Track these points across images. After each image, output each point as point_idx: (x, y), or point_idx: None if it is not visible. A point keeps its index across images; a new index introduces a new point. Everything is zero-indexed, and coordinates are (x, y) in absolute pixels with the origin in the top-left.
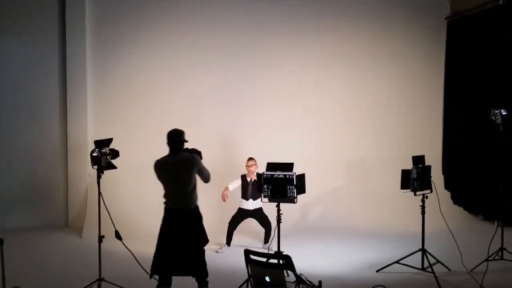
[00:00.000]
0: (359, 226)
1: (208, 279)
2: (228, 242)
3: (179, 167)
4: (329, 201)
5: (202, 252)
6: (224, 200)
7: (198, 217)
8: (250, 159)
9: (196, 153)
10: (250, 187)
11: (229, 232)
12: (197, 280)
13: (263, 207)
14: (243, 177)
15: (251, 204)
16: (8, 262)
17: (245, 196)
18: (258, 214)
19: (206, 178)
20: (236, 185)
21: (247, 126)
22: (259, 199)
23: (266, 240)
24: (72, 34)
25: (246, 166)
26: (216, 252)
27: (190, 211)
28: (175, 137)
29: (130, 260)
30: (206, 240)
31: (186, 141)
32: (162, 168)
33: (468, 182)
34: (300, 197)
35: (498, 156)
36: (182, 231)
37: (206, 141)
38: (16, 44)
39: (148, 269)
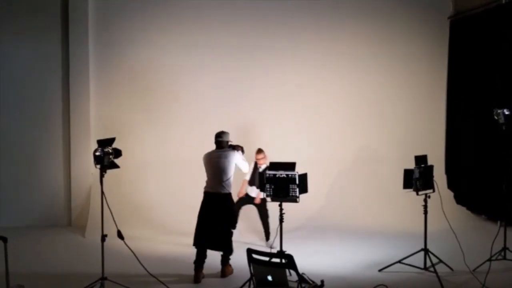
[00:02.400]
0: (361, 226)
1: (213, 277)
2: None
3: (220, 159)
4: (332, 200)
5: (229, 232)
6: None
7: (230, 202)
8: (259, 151)
9: (239, 148)
10: (257, 177)
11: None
12: (222, 256)
13: (267, 200)
14: (255, 164)
15: (254, 192)
16: (12, 260)
17: (252, 182)
18: (261, 206)
19: (243, 169)
20: (250, 168)
21: (248, 126)
22: None
23: (267, 237)
24: (75, 34)
25: (256, 159)
26: None
27: (223, 196)
28: (221, 138)
29: (132, 259)
30: (234, 222)
31: (231, 141)
32: (207, 158)
33: (471, 182)
34: (302, 197)
35: (500, 156)
36: (215, 212)
37: (208, 140)
38: (19, 44)
39: (150, 268)
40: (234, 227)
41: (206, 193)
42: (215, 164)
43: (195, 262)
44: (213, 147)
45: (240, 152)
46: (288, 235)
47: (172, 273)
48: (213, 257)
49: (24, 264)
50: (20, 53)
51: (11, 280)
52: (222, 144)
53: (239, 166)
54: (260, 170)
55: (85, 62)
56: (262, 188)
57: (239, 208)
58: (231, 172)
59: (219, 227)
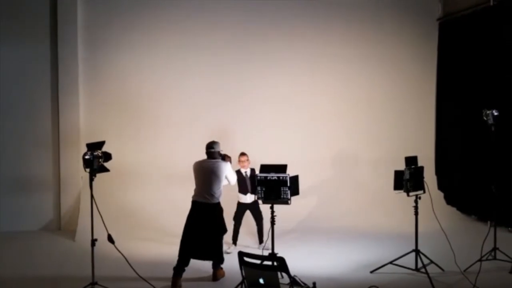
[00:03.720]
0: (353, 227)
1: (205, 280)
2: (235, 241)
3: (213, 170)
4: (323, 202)
5: (220, 241)
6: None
7: (219, 211)
8: (243, 154)
9: (227, 157)
10: (248, 181)
11: (235, 230)
12: (213, 263)
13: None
14: (238, 172)
15: (249, 198)
16: (1, 266)
17: (243, 190)
18: (254, 207)
19: (231, 182)
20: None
21: (241, 127)
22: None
23: (260, 238)
24: (64, 36)
25: (239, 161)
26: (226, 252)
27: (211, 206)
28: (212, 148)
29: (123, 263)
30: (224, 230)
31: (221, 150)
32: (198, 167)
33: (461, 183)
34: (293, 199)
35: (490, 157)
36: (203, 222)
37: (200, 142)
38: (7, 47)
39: (141, 272)
40: (225, 231)
41: (195, 202)
42: (207, 175)
43: (175, 268)
44: (203, 151)
45: (229, 163)
46: (280, 237)
47: (163, 277)
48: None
49: (13, 269)
50: (8, 56)
51: (0, 285)
52: (214, 155)
53: (228, 178)
54: (247, 174)
55: (74, 64)
56: (253, 190)
57: (241, 220)
58: (222, 183)
59: (208, 236)
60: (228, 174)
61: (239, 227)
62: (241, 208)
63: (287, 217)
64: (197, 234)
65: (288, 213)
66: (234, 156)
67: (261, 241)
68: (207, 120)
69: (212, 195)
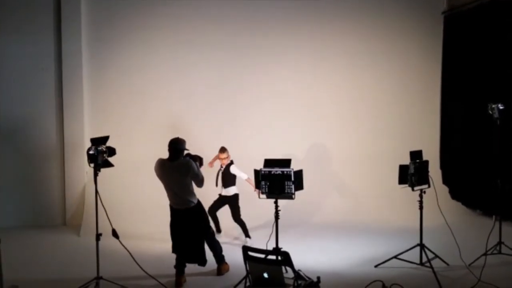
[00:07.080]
0: (357, 222)
1: (209, 275)
2: (218, 229)
3: (175, 172)
4: (327, 196)
5: (202, 243)
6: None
7: (200, 212)
8: (223, 151)
9: (197, 159)
10: (220, 175)
11: (212, 219)
12: (214, 255)
13: (238, 198)
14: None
15: (224, 191)
16: (6, 261)
17: (216, 182)
18: (229, 203)
19: (199, 183)
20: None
21: (244, 123)
22: (231, 188)
23: (246, 233)
24: (68, 31)
25: (219, 159)
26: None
27: (191, 210)
28: (175, 145)
29: (127, 258)
30: (210, 231)
31: (187, 150)
32: (160, 169)
33: (466, 177)
34: (297, 193)
35: (495, 151)
36: (186, 226)
37: (202, 138)
38: (11, 42)
39: (145, 267)
40: (211, 233)
41: (172, 208)
42: (173, 179)
43: (176, 266)
44: (204, 148)
45: (197, 163)
46: (284, 232)
47: (167, 272)
48: (209, 254)
49: (18, 264)
50: (12, 52)
51: (5, 280)
52: (177, 154)
53: (194, 180)
54: (221, 169)
55: (78, 59)
56: (257, 186)
57: (216, 211)
58: (191, 182)
59: (191, 240)
60: (194, 173)
61: (214, 215)
62: (218, 199)
63: (291, 212)
64: (181, 239)
65: (292, 208)
66: (239, 157)
67: (246, 235)
68: (209, 117)
69: (186, 197)
